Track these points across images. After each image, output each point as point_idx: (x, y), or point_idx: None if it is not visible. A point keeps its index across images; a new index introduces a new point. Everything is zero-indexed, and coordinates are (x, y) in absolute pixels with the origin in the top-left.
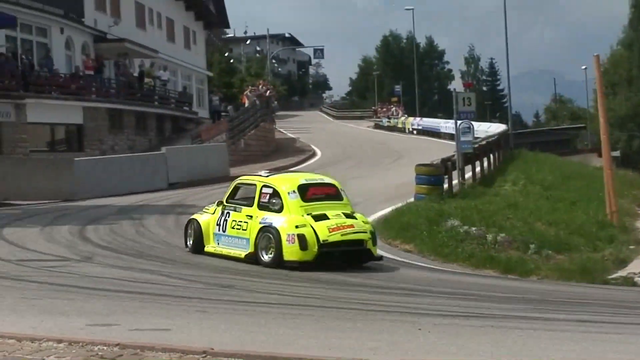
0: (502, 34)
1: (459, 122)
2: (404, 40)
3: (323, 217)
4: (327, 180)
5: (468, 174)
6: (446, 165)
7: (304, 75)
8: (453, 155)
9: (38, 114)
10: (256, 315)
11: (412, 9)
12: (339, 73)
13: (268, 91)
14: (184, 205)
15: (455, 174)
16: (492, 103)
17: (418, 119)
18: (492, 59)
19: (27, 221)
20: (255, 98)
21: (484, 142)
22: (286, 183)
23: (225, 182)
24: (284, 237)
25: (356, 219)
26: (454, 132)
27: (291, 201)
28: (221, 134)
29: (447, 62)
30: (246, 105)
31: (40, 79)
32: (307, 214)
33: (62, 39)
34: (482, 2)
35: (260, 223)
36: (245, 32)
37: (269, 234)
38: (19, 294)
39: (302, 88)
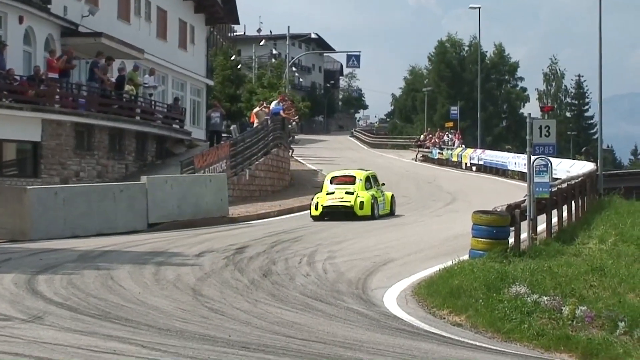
0: (594, 44)
1: (533, 157)
2: (466, 48)
3: (332, 193)
4: (351, 172)
5: (541, 226)
6: (513, 214)
7: (332, 88)
8: (523, 201)
9: None
10: None
11: (479, 8)
12: (379, 87)
13: (284, 108)
14: (167, 253)
15: (524, 225)
16: (577, 134)
17: (479, 151)
18: (579, 76)
19: None
20: (267, 116)
21: (564, 185)
22: (329, 175)
23: (222, 224)
24: (312, 203)
25: (352, 193)
26: (525, 171)
27: (324, 184)
28: (220, 162)
29: (521, 79)
30: (255, 125)
31: None
32: (327, 193)
33: (21, 31)
34: (569, 1)
35: None
36: (259, 31)
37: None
38: None
39: (330, 105)
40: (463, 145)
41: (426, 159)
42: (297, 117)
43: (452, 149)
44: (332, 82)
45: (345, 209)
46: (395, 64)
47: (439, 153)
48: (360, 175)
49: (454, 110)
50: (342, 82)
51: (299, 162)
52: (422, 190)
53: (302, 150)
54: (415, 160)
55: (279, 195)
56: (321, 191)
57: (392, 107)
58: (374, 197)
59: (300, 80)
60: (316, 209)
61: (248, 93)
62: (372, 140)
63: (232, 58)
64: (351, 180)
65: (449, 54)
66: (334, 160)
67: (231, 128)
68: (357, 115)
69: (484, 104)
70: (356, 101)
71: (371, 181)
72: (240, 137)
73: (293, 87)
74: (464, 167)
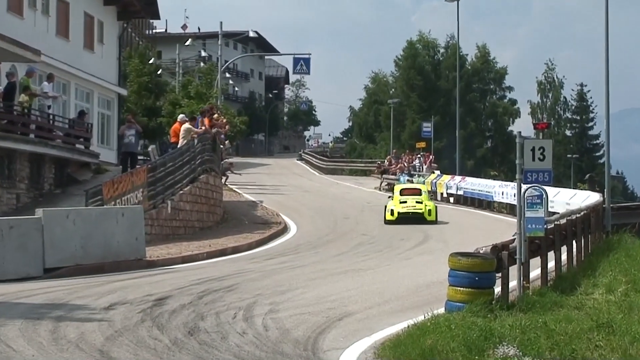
0: (599, 46)
1: (524, 186)
2: (442, 50)
3: (404, 202)
4: (415, 185)
5: (535, 272)
6: (500, 257)
7: (276, 99)
8: (513, 241)
9: None
10: None
11: (457, 0)
12: (334, 99)
13: (215, 125)
14: (68, 305)
15: (514, 270)
16: (579, 157)
17: (458, 178)
18: (581, 85)
19: None
20: (195, 135)
21: (563, 221)
22: (397, 188)
23: (138, 269)
24: (387, 210)
25: (421, 203)
26: (514, 203)
27: (395, 195)
28: (136, 191)
29: (510, 88)
30: (180, 145)
31: None
32: (400, 202)
33: None
34: None
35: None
36: (185, 28)
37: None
38: None
39: (273, 121)
40: (438, 172)
41: (393, 189)
42: (226, 130)
43: (424, 176)
44: (275, 91)
45: (417, 215)
46: (354, 70)
47: (408, 181)
48: (424, 188)
49: (427, 127)
50: (288, 92)
51: (234, 191)
52: (387, 227)
53: (238, 177)
54: (379, 190)
55: (209, 233)
56: (392, 199)
57: (351, 124)
58: (435, 207)
59: (236, 89)
60: (392, 214)
61: (170, 105)
62: (325, 165)
63: (151, 61)
64: (418, 192)
65: (421, 57)
66: (278, 189)
67: (149, 149)
68: (307, 134)
69: (463, 120)
70: (305, 116)
71: (428, 194)
72: (160, 160)
73: (227, 97)
74: (439, 198)
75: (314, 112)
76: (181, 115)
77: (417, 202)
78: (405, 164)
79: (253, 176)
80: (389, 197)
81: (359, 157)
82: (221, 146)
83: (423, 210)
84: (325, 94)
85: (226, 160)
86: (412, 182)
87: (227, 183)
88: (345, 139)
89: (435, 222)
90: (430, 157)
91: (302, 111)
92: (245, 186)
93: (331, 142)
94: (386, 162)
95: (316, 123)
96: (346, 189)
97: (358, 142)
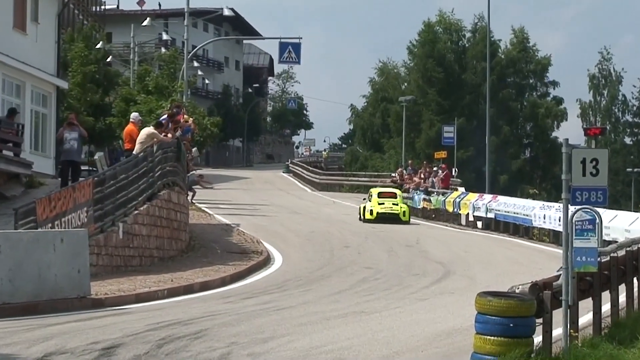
0: None
1: (571, 208)
2: (468, 35)
3: (382, 203)
4: (392, 190)
5: (585, 317)
6: (541, 298)
7: (257, 95)
8: (557, 277)
9: None
10: None
11: None
12: (331, 95)
13: (179, 126)
14: None
15: (559, 315)
16: None
17: (488, 197)
18: None
19: None
20: (152, 141)
21: (621, 253)
22: (375, 191)
23: (82, 309)
24: (366, 210)
25: (397, 205)
26: (559, 229)
27: (373, 197)
28: (79, 211)
29: (555, 84)
30: (136, 152)
31: None
32: (379, 203)
33: None
34: None
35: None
36: (142, 4)
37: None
38: None
39: (253, 122)
40: (463, 189)
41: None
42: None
43: (444, 194)
44: (256, 85)
45: (394, 215)
46: (356, 58)
47: (424, 200)
48: (399, 192)
49: (449, 132)
50: (273, 87)
51: (204, 212)
52: (397, 258)
53: (209, 193)
54: None
55: (172, 264)
56: (369, 201)
57: (352, 127)
58: (409, 208)
59: (206, 81)
60: (371, 214)
61: (123, 102)
62: (319, 179)
63: (99, 46)
64: (394, 195)
65: (441, 43)
66: (260, 209)
67: (96, 157)
68: (296, 140)
69: (495, 123)
70: (294, 116)
71: (402, 197)
72: (110, 171)
73: (194, 92)
74: (463, 221)
75: (305, 111)
76: (134, 114)
77: (393, 204)
78: (421, 179)
79: (227, 193)
80: (364, 199)
81: (362, 170)
82: (187, 154)
83: (399, 211)
84: (320, 90)
85: (194, 172)
86: (429, 201)
87: (194, 201)
88: (344, 146)
89: (408, 222)
90: (446, 170)
91: (290, 110)
92: (218, 205)
93: (326, 150)
94: (396, 176)
95: (308, 126)
96: (345, 210)
97: (361, 151)
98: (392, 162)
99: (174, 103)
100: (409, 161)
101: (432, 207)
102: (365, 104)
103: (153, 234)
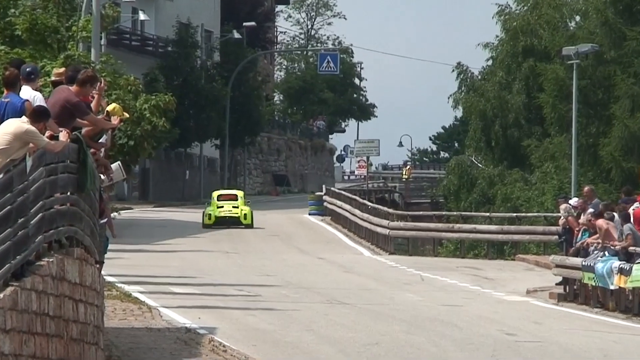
0: None
1: None
2: None
3: (222, 206)
4: (232, 191)
5: None
6: None
7: (253, 44)
8: None
9: None
10: None
11: None
12: (411, 49)
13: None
14: None
15: None
16: None
17: None
18: None
19: None
20: (24, 147)
21: None
22: (215, 194)
23: None
24: (205, 215)
25: (238, 207)
26: None
27: (213, 201)
28: None
29: None
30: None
31: None
32: (218, 207)
33: None
34: None
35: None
36: None
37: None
38: None
39: (243, 106)
40: None
41: None
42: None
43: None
44: (249, 23)
45: (234, 219)
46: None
47: (620, 272)
48: (240, 194)
49: None
50: (286, 25)
51: (138, 301)
52: None
53: (149, 261)
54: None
55: None
56: (210, 205)
57: (459, 114)
58: (251, 211)
59: (142, 17)
60: (210, 219)
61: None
62: (390, 228)
63: None
64: (234, 197)
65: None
66: (258, 294)
67: None
68: (338, 143)
69: None
70: (335, 91)
71: (245, 198)
72: None
73: (115, 41)
74: None
75: (358, 80)
76: None
77: (233, 206)
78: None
79: (191, 258)
80: (207, 202)
81: (484, 205)
82: (102, 176)
83: (239, 214)
84: (390, 40)
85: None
86: (627, 274)
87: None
88: (445, 155)
89: (251, 226)
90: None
91: (326, 78)
92: (169, 286)
93: (407, 164)
94: (563, 212)
95: (364, 112)
96: (448, 295)
97: (481, 165)
98: (551, 188)
99: (72, 66)
100: (585, 188)
101: (629, 287)
102: (491, 62)
103: (24, 353)
